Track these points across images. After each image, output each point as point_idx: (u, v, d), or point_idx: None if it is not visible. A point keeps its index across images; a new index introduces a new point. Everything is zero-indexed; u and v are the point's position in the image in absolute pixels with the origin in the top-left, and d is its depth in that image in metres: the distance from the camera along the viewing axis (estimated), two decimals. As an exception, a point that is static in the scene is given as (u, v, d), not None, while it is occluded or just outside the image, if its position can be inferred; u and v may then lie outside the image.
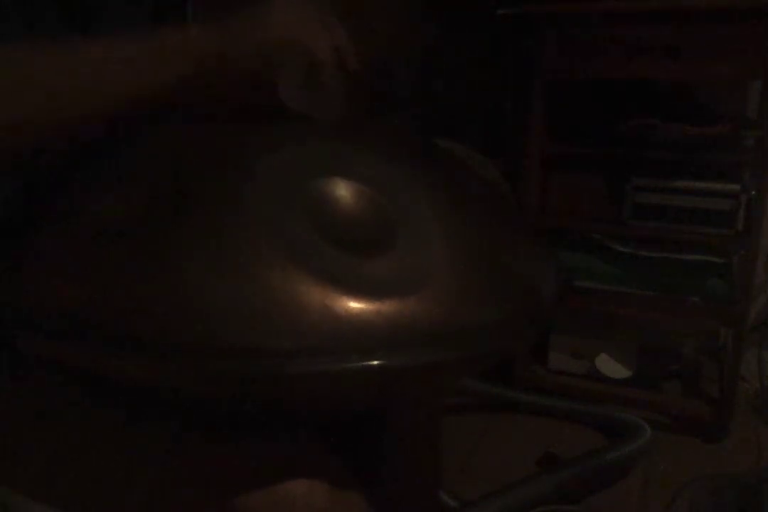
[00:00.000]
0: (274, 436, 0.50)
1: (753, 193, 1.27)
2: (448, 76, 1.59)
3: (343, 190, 0.45)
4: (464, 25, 1.54)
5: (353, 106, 0.56)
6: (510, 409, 1.49)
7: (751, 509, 1.12)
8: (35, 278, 0.44)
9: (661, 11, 1.21)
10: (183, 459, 0.49)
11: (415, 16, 1.48)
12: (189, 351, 0.38)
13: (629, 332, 1.54)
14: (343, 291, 0.40)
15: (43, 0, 0.54)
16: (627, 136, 1.34)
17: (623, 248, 1.40)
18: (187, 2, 0.67)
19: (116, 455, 0.51)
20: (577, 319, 1.50)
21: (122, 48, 0.49)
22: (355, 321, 0.39)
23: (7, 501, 0.53)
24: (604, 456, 1.27)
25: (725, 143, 1.30)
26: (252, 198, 0.43)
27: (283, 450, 0.50)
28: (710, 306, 1.35)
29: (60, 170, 0.51)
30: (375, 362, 0.38)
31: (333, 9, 0.58)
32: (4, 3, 0.52)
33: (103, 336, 0.40)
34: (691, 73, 1.27)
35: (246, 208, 0.43)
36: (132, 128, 0.50)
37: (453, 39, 1.55)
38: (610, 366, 1.51)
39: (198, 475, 0.49)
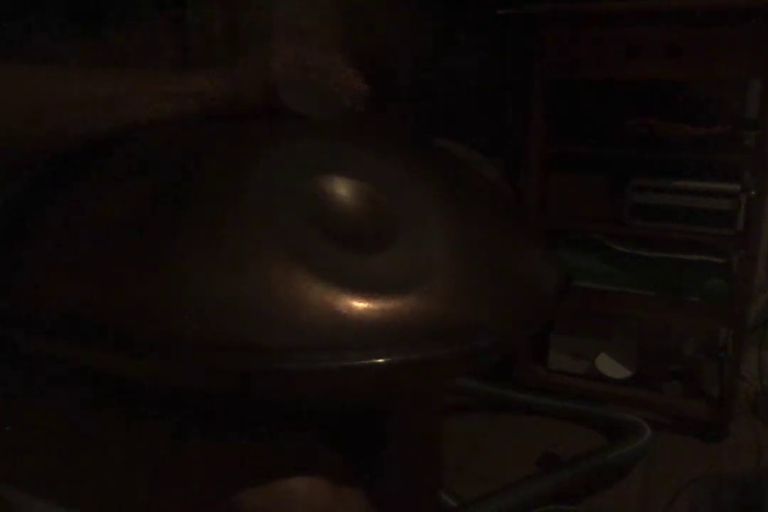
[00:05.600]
0: (276, 434, 0.50)
1: (753, 193, 1.27)
2: (448, 76, 1.59)
3: (343, 188, 0.45)
4: (464, 24, 1.54)
5: (353, 104, 0.57)
6: (510, 409, 1.49)
7: (751, 509, 1.12)
8: (35, 277, 0.44)
9: (661, 11, 1.21)
10: (184, 457, 0.49)
11: (416, 15, 1.48)
12: (189, 347, 0.38)
13: (629, 332, 1.54)
14: (343, 288, 0.40)
15: None
16: (627, 136, 1.34)
17: (623, 248, 1.40)
18: None
19: (117, 452, 0.51)
20: (577, 319, 1.50)
21: (134, 86, 0.51)
22: (354, 318, 0.39)
23: (9, 497, 0.53)
24: (604, 456, 1.27)
25: (725, 143, 1.31)
26: (252, 196, 0.43)
27: (285, 447, 0.50)
28: (710, 306, 1.35)
29: (61, 169, 0.51)
30: (374, 359, 0.38)
31: (333, 8, 0.58)
32: None
33: (102, 333, 0.40)
34: (691, 73, 1.27)
35: (246, 205, 0.43)
36: (133, 128, 0.50)
37: (453, 39, 1.55)
38: (610, 366, 1.51)
39: (199, 473, 0.49)
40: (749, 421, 1.44)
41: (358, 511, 0.50)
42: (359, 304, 0.40)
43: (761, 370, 1.50)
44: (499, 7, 1.29)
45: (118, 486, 0.50)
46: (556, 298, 0.50)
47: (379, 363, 0.38)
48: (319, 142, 0.49)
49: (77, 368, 0.47)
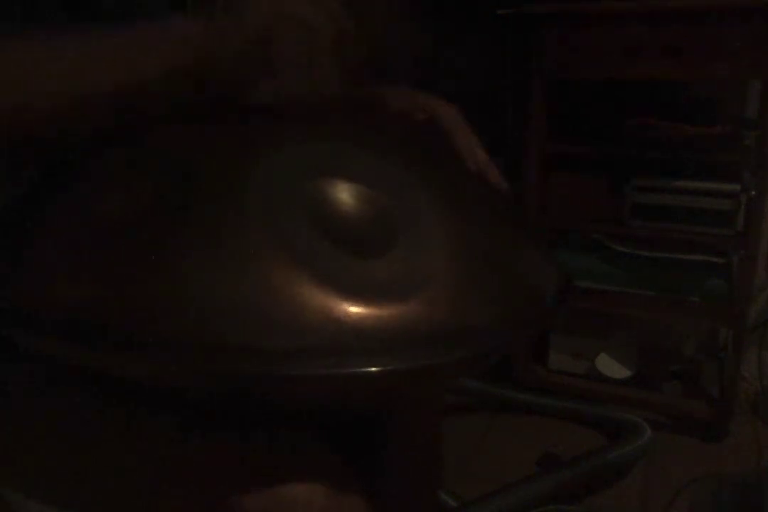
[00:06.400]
0: (274, 436, 0.50)
1: (753, 193, 1.27)
2: (448, 76, 1.59)
3: (344, 191, 0.44)
4: (464, 24, 1.54)
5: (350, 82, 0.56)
6: (510, 409, 1.49)
7: (751, 509, 1.12)
8: (36, 277, 0.44)
9: (661, 11, 1.21)
10: (184, 458, 0.49)
11: (416, 15, 1.48)
12: (188, 348, 0.38)
13: (629, 332, 1.54)
14: (344, 292, 0.40)
15: None
16: (627, 136, 1.34)
17: (623, 248, 1.40)
18: None
19: (117, 453, 0.51)
20: (577, 319, 1.50)
21: (105, 41, 0.49)
22: (354, 322, 0.39)
23: (8, 499, 0.53)
24: (604, 456, 1.27)
25: (725, 143, 1.31)
26: (253, 198, 0.43)
27: (283, 450, 0.50)
28: (710, 306, 1.35)
29: (61, 169, 0.51)
30: (374, 364, 0.38)
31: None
32: None
33: (103, 334, 0.39)
34: (691, 73, 1.27)
35: (247, 208, 0.43)
36: (132, 127, 0.50)
37: (453, 39, 1.55)
38: (610, 366, 1.51)
39: (199, 474, 0.49)
40: (749, 421, 1.44)
41: (358, 512, 0.50)
42: (359, 308, 0.40)
43: (761, 370, 1.50)
44: (499, 7, 1.29)
45: (118, 486, 0.50)
46: (556, 301, 0.50)
47: (379, 368, 0.38)
48: (320, 143, 0.49)
49: (77, 368, 0.47)
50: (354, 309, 0.40)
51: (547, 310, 0.50)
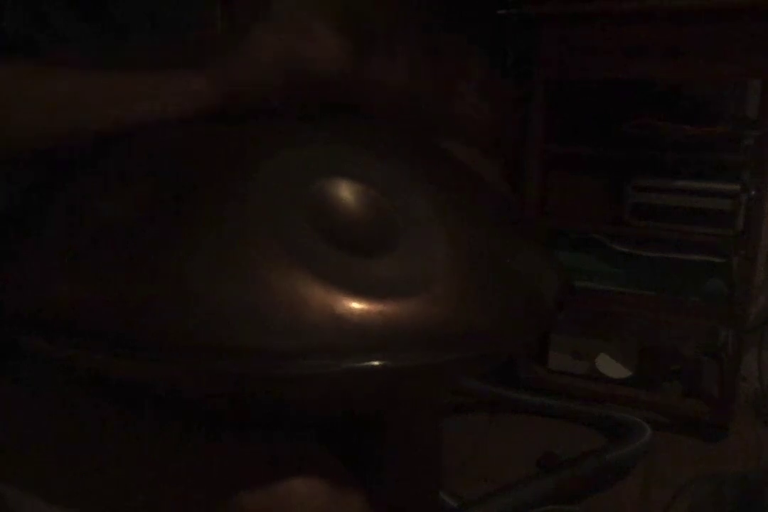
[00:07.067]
0: (275, 436, 0.50)
1: (753, 193, 1.27)
2: (448, 76, 1.58)
3: (345, 191, 0.45)
4: (464, 25, 1.54)
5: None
6: (510, 409, 1.49)
7: (752, 509, 1.12)
8: (36, 278, 0.44)
9: (661, 11, 1.21)
10: (183, 459, 0.49)
11: (415, 15, 1.47)
12: (189, 350, 0.38)
13: (629, 332, 1.54)
14: (345, 292, 0.40)
15: None
16: (627, 136, 1.34)
17: (623, 248, 1.40)
18: None
19: (117, 454, 0.51)
20: (577, 319, 1.50)
21: (125, 84, 0.51)
22: (356, 322, 0.39)
23: (8, 499, 0.53)
24: (604, 456, 1.27)
25: (725, 143, 1.31)
26: (254, 198, 0.43)
27: (283, 450, 0.50)
28: (710, 306, 1.35)
29: (61, 169, 0.51)
30: (375, 363, 0.38)
31: (330, 10, 0.58)
32: None
33: (103, 336, 0.39)
34: (691, 73, 1.27)
35: (248, 208, 0.43)
36: (133, 128, 0.50)
37: (453, 39, 1.55)
38: (610, 366, 1.51)
39: (198, 475, 0.49)
40: (749, 421, 1.44)
41: (357, 512, 0.50)
42: (360, 308, 0.40)
43: (761, 370, 1.50)
44: (499, 7, 1.29)
45: (118, 486, 0.50)
46: (557, 304, 0.50)
47: (379, 368, 0.38)
48: (322, 145, 0.49)
49: (77, 369, 0.47)
50: (355, 308, 0.40)
51: (549, 313, 0.50)
